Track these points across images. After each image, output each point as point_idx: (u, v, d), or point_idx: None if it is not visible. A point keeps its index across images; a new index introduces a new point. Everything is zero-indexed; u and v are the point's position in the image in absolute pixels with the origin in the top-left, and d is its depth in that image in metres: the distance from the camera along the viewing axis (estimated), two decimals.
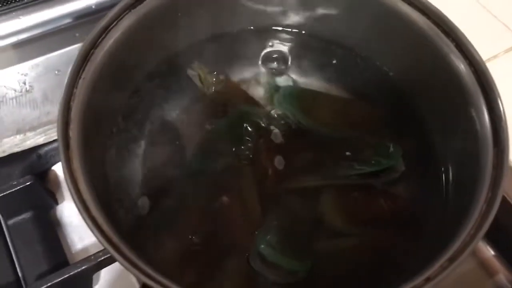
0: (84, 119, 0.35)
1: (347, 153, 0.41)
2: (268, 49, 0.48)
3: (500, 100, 0.35)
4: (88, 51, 0.36)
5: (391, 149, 0.40)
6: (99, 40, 0.37)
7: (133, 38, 0.39)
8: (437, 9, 0.39)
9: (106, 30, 0.37)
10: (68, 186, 0.30)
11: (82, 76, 0.35)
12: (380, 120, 0.44)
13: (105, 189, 0.37)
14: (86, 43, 0.36)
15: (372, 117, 0.44)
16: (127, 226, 0.37)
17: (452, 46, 0.38)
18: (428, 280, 0.29)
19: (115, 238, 0.29)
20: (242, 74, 0.46)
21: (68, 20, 0.56)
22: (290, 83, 0.46)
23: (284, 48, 0.48)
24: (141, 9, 0.39)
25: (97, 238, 0.29)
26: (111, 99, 0.40)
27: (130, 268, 0.28)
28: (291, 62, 0.47)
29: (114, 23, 0.38)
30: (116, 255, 0.28)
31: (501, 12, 0.64)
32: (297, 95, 0.45)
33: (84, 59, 0.36)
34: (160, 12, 0.40)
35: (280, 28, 0.48)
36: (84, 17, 0.56)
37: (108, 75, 0.37)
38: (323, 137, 0.43)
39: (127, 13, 0.38)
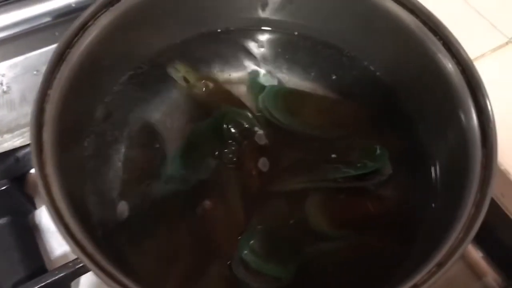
0: (60, 121, 0.33)
1: (333, 155, 0.40)
2: (253, 49, 0.46)
3: (488, 99, 0.34)
4: (64, 50, 0.35)
5: (378, 151, 0.39)
6: (75, 39, 0.35)
7: (111, 37, 0.38)
8: (424, 7, 0.38)
9: (82, 28, 0.36)
10: (41, 192, 0.29)
11: (57, 77, 0.34)
12: (367, 120, 0.43)
13: (82, 195, 0.36)
14: (61, 43, 0.34)
15: (359, 117, 0.43)
16: (106, 232, 0.36)
17: (439, 45, 0.37)
18: (415, 287, 0.28)
19: (89, 247, 0.28)
20: (226, 74, 0.45)
21: (47, 19, 0.54)
22: (275, 83, 0.45)
23: (269, 47, 0.47)
24: (119, 7, 0.37)
25: (70, 246, 0.27)
26: (88, 101, 0.38)
27: (104, 278, 0.26)
28: (276, 62, 0.46)
29: (91, 21, 0.36)
30: (89, 265, 0.27)
31: (488, 11, 0.63)
32: (282, 95, 0.44)
33: (59, 59, 0.34)
34: (139, 9, 0.39)
35: (265, 28, 0.46)
36: (63, 16, 0.54)
37: (85, 75, 0.36)
38: (308, 138, 0.42)
39: (104, 11, 0.37)
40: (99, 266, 0.27)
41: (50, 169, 0.31)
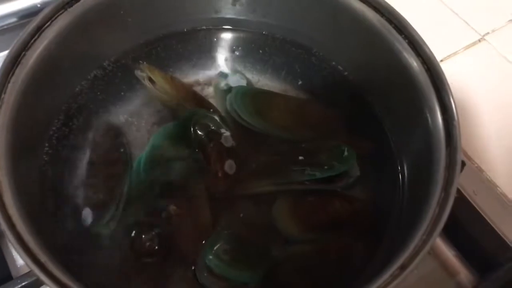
0: (14, 127, 0.32)
1: (300, 157, 0.39)
2: (221, 49, 0.46)
3: (453, 98, 0.34)
4: (19, 53, 0.34)
5: (346, 153, 0.39)
6: (31, 42, 0.34)
7: (70, 39, 0.37)
8: (389, 5, 0.38)
9: (39, 30, 0.35)
10: None
11: (12, 81, 0.33)
12: (336, 121, 0.43)
13: (41, 201, 0.35)
14: (16, 45, 0.33)
15: (328, 118, 0.43)
16: (67, 239, 0.35)
17: (405, 44, 0.37)
18: None
19: (43, 257, 0.27)
20: (194, 75, 0.45)
21: (12, 20, 0.53)
22: (244, 84, 0.44)
23: (238, 47, 0.46)
24: (78, 8, 0.37)
25: (21, 256, 0.26)
26: (48, 105, 0.37)
27: None
28: (245, 62, 0.45)
29: (48, 23, 0.35)
30: (41, 275, 0.26)
31: (462, 9, 0.63)
32: (250, 95, 0.43)
33: (13, 62, 0.33)
34: (99, 10, 0.38)
35: (233, 27, 0.46)
36: (29, 17, 0.53)
37: (42, 78, 0.35)
38: (277, 140, 0.41)
39: (62, 12, 0.36)
40: (52, 277, 0.26)
41: (3, 177, 0.30)
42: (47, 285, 0.26)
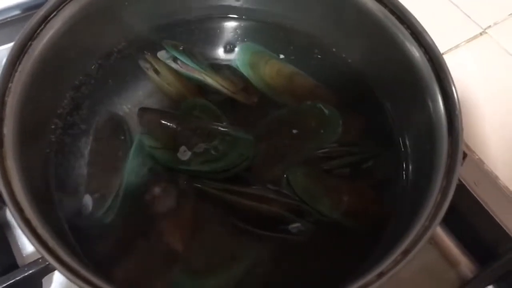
0: (22, 114, 0.33)
1: (294, 131, 0.40)
2: (226, 38, 0.46)
3: (455, 88, 0.34)
4: (25, 43, 0.34)
5: (326, 111, 0.40)
6: (38, 31, 0.35)
7: (76, 29, 0.37)
8: None
9: (45, 20, 0.35)
10: (0, 186, 0.29)
11: (19, 69, 0.33)
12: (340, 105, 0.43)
13: (47, 188, 0.35)
14: (22, 35, 0.34)
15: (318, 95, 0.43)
16: (72, 226, 0.36)
17: (407, 34, 0.37)
18: (381, 275, 0.28)
19: (51, 242, 0.28)
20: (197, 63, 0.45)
21: (16, 12, 0.53)
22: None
23: (242, 36, 0.46)
24: None
25: (31, 241, 0.27)
26: (54, 93, 0.38)
27: (65, 273, 0.26)
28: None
29: (54, 12, 0.36)
30: (50, 259, 0.26)
31: (463, 2, 0.63)
32: (252, 51, 0.45)
33: (20, 51, 0.34)
34: (105, 0, 0.38)
35: (237, 16, 0.46)
36: (33, 9, 0.53)
37: (49, 67, 0.36)
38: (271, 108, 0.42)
39: (68, 2, 0.36)
40: (60, 261, 0.27)
41: (11, 163, 0.30)
42: (56, 269, 0.26)
